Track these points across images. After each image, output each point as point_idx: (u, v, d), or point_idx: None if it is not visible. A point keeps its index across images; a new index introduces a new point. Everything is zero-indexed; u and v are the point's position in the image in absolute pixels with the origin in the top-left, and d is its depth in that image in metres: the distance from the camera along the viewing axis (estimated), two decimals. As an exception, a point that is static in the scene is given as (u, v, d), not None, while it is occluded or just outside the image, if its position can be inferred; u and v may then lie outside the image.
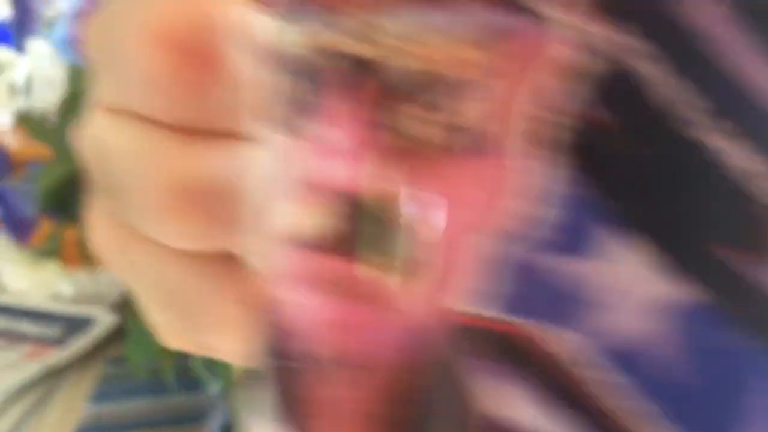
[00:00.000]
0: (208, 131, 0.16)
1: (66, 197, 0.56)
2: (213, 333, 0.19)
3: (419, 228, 0.10)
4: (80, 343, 0.64)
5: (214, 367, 0.58)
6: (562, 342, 0.10)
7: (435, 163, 0.10)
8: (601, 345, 0.10)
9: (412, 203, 0.10)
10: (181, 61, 0.15)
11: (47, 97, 0.54)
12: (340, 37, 0.10)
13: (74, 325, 0.66)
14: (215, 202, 0.16)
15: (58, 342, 0.64)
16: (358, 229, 0.10)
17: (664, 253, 0.10)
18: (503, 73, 0.09)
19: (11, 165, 0.57)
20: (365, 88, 0.10)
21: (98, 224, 0.20)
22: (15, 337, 0.65)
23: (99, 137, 0.18)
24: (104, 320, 0.66)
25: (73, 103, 0.55)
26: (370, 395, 0.11)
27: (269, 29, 0.12)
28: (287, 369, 0.12)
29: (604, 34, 0.09)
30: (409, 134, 0.10)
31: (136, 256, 0.19)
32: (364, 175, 0.10)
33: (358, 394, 0.11)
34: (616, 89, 0.09)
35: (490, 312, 0.10)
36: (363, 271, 0.10)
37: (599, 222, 0.10)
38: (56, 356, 0.62)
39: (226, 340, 0.18)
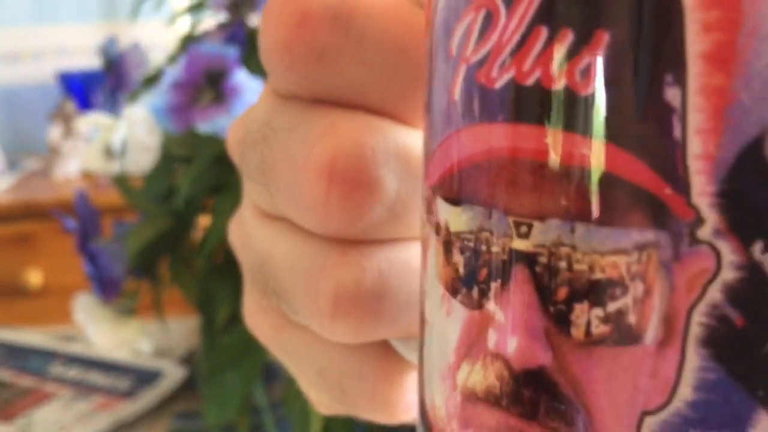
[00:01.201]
0: (363, 241, 0.18)
1: (153, 258, 0.58)
2: (364, 410, 0.20)
3: (579, 398, 0.12)
4: (149, 395, 0.65)
5: (286, 425, 0.59)
6: None
7: (588, 349, 0.11)
8: None
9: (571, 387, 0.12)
10: (336, 188, 0.17)
11: (141, 162, 0.56)
12: (497, 231, 0.12)
13: (144, 377, 0.67)
14: (377, 304, 0.18)
15: (128, 394, 0.65)
16: (531, 395, 0.12)
17: None
18: (645, 276, 0.11)
19: (100, 224, 0.58)
20: (525, 276, 0.12)
21: (252, 307, 0.22)
22: (86, 388, 0.67)
23: (257, 240, 0.20)
24: (173, 373, 0.67)
25: (164, 168, 0.56)
26: None
27: (445, 210, 0.14)
28: None
29: (735, 248, 0.10)
30: (565, 323, 0.12)
31: (289, 338, 0.21)
32: (528, 351, 0.12)
33: None
34: (745, 292, 0.10)
35: None
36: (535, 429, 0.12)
37: (737, 401, 0.11)
38: (126, 409, 0.63)
39: (376, 416, 0.20)
